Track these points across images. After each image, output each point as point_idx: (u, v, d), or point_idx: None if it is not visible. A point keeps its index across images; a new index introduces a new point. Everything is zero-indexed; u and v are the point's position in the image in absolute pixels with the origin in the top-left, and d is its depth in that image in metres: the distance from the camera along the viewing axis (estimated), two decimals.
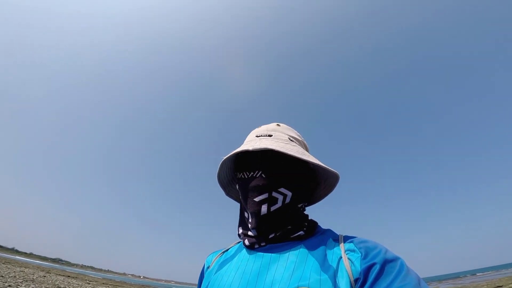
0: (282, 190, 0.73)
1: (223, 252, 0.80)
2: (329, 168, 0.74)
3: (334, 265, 0.68)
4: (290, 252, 0.70)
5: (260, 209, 0.72)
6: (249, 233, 0.75)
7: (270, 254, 0.71)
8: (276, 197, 0.73)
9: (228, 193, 0.83)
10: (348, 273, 0.68)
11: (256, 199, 0.73)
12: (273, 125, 0.80)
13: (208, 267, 0.78)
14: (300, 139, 0.80)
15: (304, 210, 0.78)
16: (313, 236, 0.73)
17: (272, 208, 0.72)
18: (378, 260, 0.68)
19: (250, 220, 0.74)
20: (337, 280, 0.67)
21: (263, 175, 0.73)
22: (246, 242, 0.75)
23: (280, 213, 0.72)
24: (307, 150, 0.80)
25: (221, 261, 0.77)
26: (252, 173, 0.74)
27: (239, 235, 0.78)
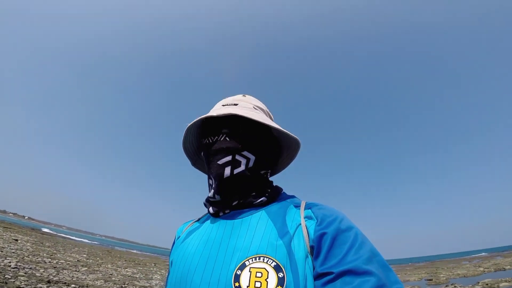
0: (245, 153, 0.72)
1: (194, 222, 0.82)
2: (290, 134, 0.74)
3: (292, 231, 0.68)
4: (252, 218, 0.69)
5: (223, 172, 0.71)
6: (211, 199, 0.74)
7: (232, 221, 0.70)
8: (239, 160, 0.71)
9: (195, 164, 0.87)
10: (304, 240, 0.67)
11: (220, 162, 0.71)
12: (239, 96, 0.83)
13: (178, 237, 0.80)
14: (264, 108, 0.82)
15: (267, 176, 0.79)
16: (275, 202, 0.72)
17: (236, 171, 0.71)
18: (332, 228, 0.67)
19: (213, 185, 0.73)
20: (292, 246, 0.67)
21: (227, 138, 0.72)
22: (211, 210, 0.74)
23: (243, 177, 0.71)
24: (271, 119, 0.83)
25: (189, 230, 0.78)
26: (216, 136, 0.73)
27: (204, 204, 0.78)
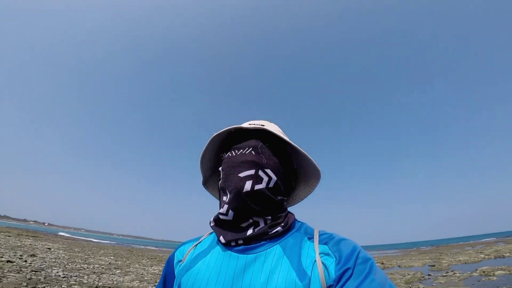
0: (268, 171, 0.70)
1: (196, 244, 0.75)
2: (314, 162, 0.71)
3: (309, 271, 0.66)
4: (267, 254, 0.67)
5: (244, 185, 0.68)
6: (221, 216, 0.69)
7: (246, 255, 0.67)
8: (261, 177, 0.69)
9: (205, 183, 0.78)
10: (320, 280, 0.66)
11: (241, 175, 0.69)
12: (264, 121, 0.77)
13: (179, 261, 0.73)
14: (287, 136, 0.79)
15: (284, 204, 0.74)
16: (289, 232, 0.70)
17: (256, 187, 0.68)
18: (351, 264, 0.66)
19: (227, 200, 0.69)
20: (310, 285, 0.66)
21: (253, 152, 0.70)
22: (222, 239, 0.69)
23: (262, 195, 0.68)
24: None
25: (193, 256, 0.72)
26: (242, 150, 0.70)
27: (212, 227, 0.71)
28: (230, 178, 0.70)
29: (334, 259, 0.67)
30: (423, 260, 18.01)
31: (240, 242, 0.69)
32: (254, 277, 0.67)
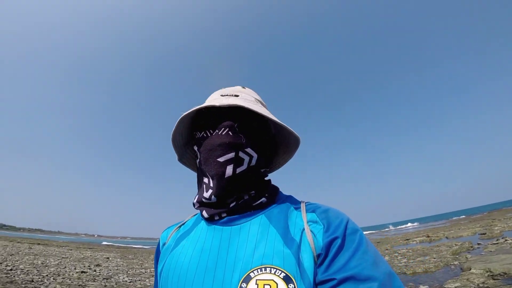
0: (248, 150, 0.67)
1: (179, 226, 0.75)
2: (293, 131, 0.69)
3: (297, 238, 0.63)
4: (252, 223, 0.65)
5: (225, 171, 0.65)
6: (205, 200, 0.67)
7: (230, 227, 0.65)
8: (242, 158, 0.66)
9: (181, 159, 0.78)
10: (311, 248, 0.62)
11: (221, 159, 0.65)
12: (238, 87, 0.77)
13: (164, 244, 0.74)
14: (264, 103, 0.78)
15: (267, 176, 0.75)
16: (274, 203, 0.69)
17: (238, 170, 0.65)
18: (340, 232, 0.62)
19: (211, 185, 0.67)
20: (300, 255, 0.61)
21: (230, 132, 0.66)
22: (205, 213, 0.68)
23: (244, 176, 0.67)
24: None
25: (177, 236, 0.72)
26: (217, 130, 0.66)
27: (193, 204, 0.71)
28: (209, 162, 0.66)
29: (322, 226, 0.63)
30: (473, 228, 17.28)
31: (224, 215, 0.66)
32: (239, 247, 0.62)
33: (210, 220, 0.68)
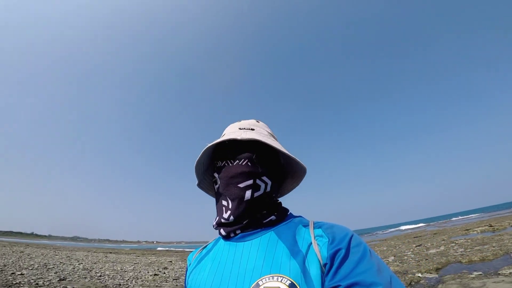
0: (264, 178, 0.75)
1: (202, 248, 0.84)
2: (300, 162, 0.77)
3: (304, 251, 0.69)
4: (262, 238, 0.72)
5: (244, 195, 0.73)
6: (224, 220, 0.75)
7: (243, 242, 0.72)
8: (259, 184, 0.74)
9: (199, 184, 0.86)
10: (318, 258, 0.68)
11: (241, 185, 0.73)
12: (253, 121, 0.86)
13: (189, 265, 0.82)
14: (275, 136, 0.87)
15: (278, 200, 0.82)
16: (283, 221, 0.76)
17: (256, 194, 0.73)
18: (343, 245, 0.69)
19: (229, 207, 0.74)
20: (306, 265, 0.68)
21: (248, 163, 0.74)
22: (222, 232, 0.75)
23: (261, 200, 0.74)
24: None
25: (199, 257, 0.80)
26: (237, 161, 0.75)
27: (213, 225, 0.80)
28: (230, 188, 0.74)
29: (327, 239, 0.70)
30: None
31: (238, 232, 0.73)
32: (250, 259, 0.70)
33: (227, 237, 0.75)
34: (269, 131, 0.85)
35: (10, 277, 7.32)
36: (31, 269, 9.02)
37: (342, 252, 0.68)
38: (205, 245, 0.85)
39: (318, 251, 0.69)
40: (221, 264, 0.71)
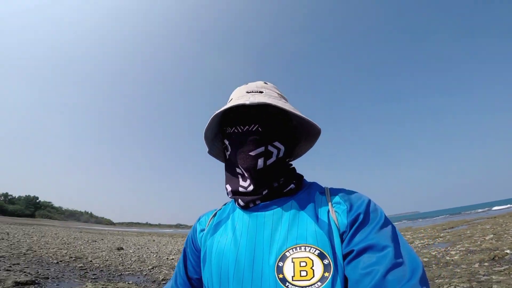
0: (276, 144, 0.72)
1: (215, 213, 0.81)
2: (314, 123, 0.73)
3: (325, 219, 0.66)
4: (284, 208, 0.70)
5: (257, 163, 0.69)
6: (241, 189, 0.73)
7: (264, 212, 0.70)
8: (271, 151, 0.71)
9: (210, 151, 0.84)
10: (336, 226, 0.64)
11: (252, 153, 0.69)
12: (261, 83, 0.81)
13: (202, 230, 0.80)
14: (285, 97, 0.82)
15: (291, 165, 0.80)
16: (301, 190, 0.74)
17: (268, 162, 0.70)
18: (362, 210, 0.65)
19: (246, 175, 0.72)
20: (330, 233, 0.64)
21: (259, 128, 0.70)
22: (240, 202, 0.73)
23: (274, 167, 0.71)
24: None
25: (215, 223, 0.78)
26: (247, 127, 0.71)
27: (228, 193, 0.77)
28: (241, 156, 0.71)
29: (346, 207, 0.67)
30: None
31: (258, 202, 0.72)
32: (274, 230, 0.67)
33: (245, 207, 0.73)
34: (279, 92, 0.80)
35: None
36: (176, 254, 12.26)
37: (360, 218, 0.64)
38: (218, 209, 0.84)
39: (336, 218, 0.66)
40: (243, 234, 0.69)
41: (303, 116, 0.72)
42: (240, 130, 0.72)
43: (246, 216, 0.72)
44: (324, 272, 0.59)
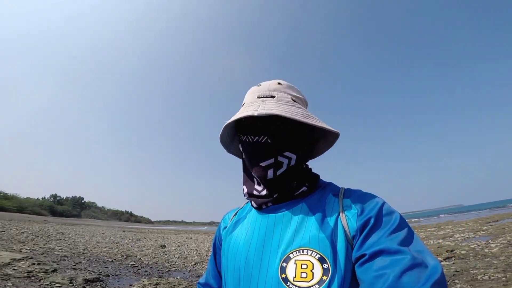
0: (287, 154, 0.72)
1: (236, 212, 0.86)
2: (332, 129, 0.72)
3: (332, 223, 0.65)
4: (293, 211, 0.71)
5: (267, 174, 0.71)
6: (256, 192, 0.76)
7: (274, 214, 0.72)
8: (281, 161, 0.71)
9: (229, 151, 0.86)
10: (345, 230, 0.64)
11: (262, 164, 0.71)
12: (274, 84, 0.77)
13: (225, 227, 0.84)
14: (302, 97, 0.79)
15: (308, 166, 0.80)
16: (315, 191, 0.74)
17: (278, 172, 0.71)
18: (373, 214, 0.63)
19: (261, 183, 0.75)
20: (333, 238, 0.64)
21: (268, 140, 0.71)
22: (253, 204, 0.76)
23: (285, 176, 0.72)
24: (307, 105, 0.81)
25: (235, 221, 0.82)
26: (257, 137, 0.72)
27: (244, 195, 0.80)
28: (253, 166, 0.73)
29: (356, 210, 0.66)
30: None
31: (269, 204, 0.74)
32: (282, 232, 0.69)
33: (258, 209, 0.76)
34: (294, 94, 0.77)
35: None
36: None
37: (371, 221, 0.62)
38: (239, 208, 0.87)
39: (346, 223, 0.65)
40: (255, 234, 0.72)
41: (316, 124, 0.70)
42: (250, 140, 0.74)
43: (259, 217, 0.75)
44: (323, 275, 0.60)
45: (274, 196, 0.73)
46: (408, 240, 0.59)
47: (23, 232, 13.34)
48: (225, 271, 0.75)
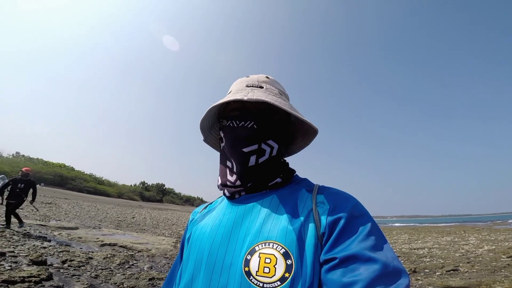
0: (270, 142, 0.71)
1: (207, 205, 0.84)
2: (312, 124, 0.72)
3: (303, 218, 0.63)
4: (264, 201, 0.69)
5: (248, 160, 0.69)
6: (229, 183, 0.73)
7: (245, 205, 0.70)
8: (264, 149, 0.70)
9: (206, 139, 0.84)
10: (316, 226, 0.61)
11: (245, 150, 0.69)
12: (262, 77, 0.78)
13: (192, 219, 0.82)
14: (286, 94, 0.81)
15: (285, 161, 0.79)
16: (288, 184, 0.73)
17: (260, 160, 0.70)
18: (345, 214, 0.61)
19: (235, 170, 0.73)
20: (302, 232, 0.61)
21: (254, 125, 0.69)
22: (226, 192, 0.74)
23: (266, 165, 0.71)
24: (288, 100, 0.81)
25: (204, 212, 0.80)
26: (243, 122, 0.70)
27: (218, 186, 0.78)
28: (234, 151, 0.71)
29: (328, 207, 0.64)
30: None
31: (242, 193, 0.72)
32: (250, 223, 0.66)
33: (231, 198, 0.73)
34: (280, 89, 0.79)
35: None
36: None
37: (342, 222, 0.60)
38: (211, 201, 0.85)
39: (318, 219, 0.63)
40: (223, 224, 0.69)
41: (301, 117, 0.70)
42: (235, 125, 0.71)
43: (230, 207, 0.72)
44: (285, 272, 0.56)
45: (248, 185, 0.71)
46: (379, 246, 0.57)
47: (155, 220, 16.80)
48: (185, 261, 0.71)
